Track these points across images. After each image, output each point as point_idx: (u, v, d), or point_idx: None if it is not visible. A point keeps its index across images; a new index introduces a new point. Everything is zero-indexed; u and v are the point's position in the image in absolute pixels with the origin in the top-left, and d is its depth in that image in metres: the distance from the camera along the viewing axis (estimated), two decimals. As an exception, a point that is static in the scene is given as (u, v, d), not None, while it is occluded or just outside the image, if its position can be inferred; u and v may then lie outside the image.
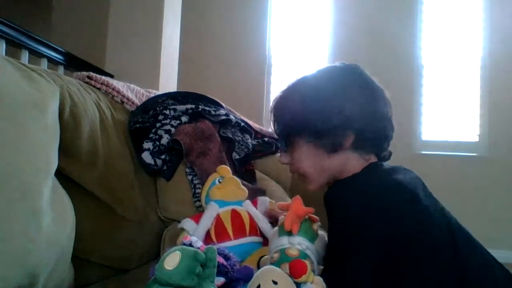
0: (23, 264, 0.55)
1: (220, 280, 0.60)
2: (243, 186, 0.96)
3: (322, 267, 0.72)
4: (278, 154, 1.64)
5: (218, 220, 0.87)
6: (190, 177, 1.14)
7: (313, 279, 0.59)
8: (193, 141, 1.17)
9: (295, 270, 0.57)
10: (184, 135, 1.17)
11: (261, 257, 0.77)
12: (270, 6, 3.45)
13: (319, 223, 0.74)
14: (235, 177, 0.96)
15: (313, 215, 0.74)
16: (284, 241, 0.69)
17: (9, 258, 0.54)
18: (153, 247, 1.05)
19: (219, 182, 0.93)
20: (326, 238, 0.74)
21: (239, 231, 0.86)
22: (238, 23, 3.44)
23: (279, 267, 0.62)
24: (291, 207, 0.71)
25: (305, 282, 0.57)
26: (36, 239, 0.58)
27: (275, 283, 0.54)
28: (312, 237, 0.71)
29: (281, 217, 0.74)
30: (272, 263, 0.65)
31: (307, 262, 0.59)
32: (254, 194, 1.22)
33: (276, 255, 0.68)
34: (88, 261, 0.86)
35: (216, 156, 1.19)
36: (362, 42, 3.23)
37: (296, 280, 0.56)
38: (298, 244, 0.68)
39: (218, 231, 0.86)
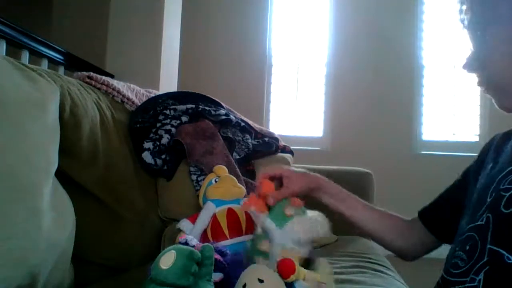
0: (23, 264, 0.55)
1: (218, 276, 0.60)
2: (240, 184, 0.96)
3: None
4: (279, 153, 1.64)
5: (214, 220, 0.87)
6: (194, 177, 1.13)
7: (305, 275, 0.57)
8: (195, 141, 1.17)
9: (283, 271, 0.55)
10: (185, 135, 1.17)
11: None
12: (270, 6, 3.45)
13: (294, 208, 0.69)
14: (231, 176, 0.96)
15: (296, 198, 0.72)
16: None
17: (9, 258, 0.54)
18: (153, 247, 1.05)
19: (215, 182, 0.93)
20: (319, 219, 0.69)
21: (235, 230, 0.85)
22: (238, 23, 3.44)
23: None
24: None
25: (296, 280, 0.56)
26: (36, 239, 0.58)
27: (261, 281, 0.53)
28: (281, 221, 0.67)
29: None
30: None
31: (295, 260, 0.57)
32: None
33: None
34: (88, 261, 0.86)
35: (222, 154, 1.19)
36: (362, 42, 3.24)
37: (285, 280, 0.55)
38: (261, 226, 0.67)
39: (214, 230, 0.85)
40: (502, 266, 0.53)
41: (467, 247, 0.60)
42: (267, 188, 0.74)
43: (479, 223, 0.60)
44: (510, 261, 0.52)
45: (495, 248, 0.55)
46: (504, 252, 0.53)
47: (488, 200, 0.61)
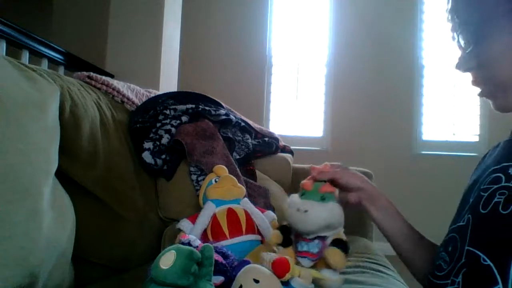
0: (23, 264, 0.55)
1: (219, 279, 0.60)
2: (240, 184, 0.96)
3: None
4: (279, 153, 1.64)
5: (214, 220, 0.87)
6: (194, 177, 1.13)
7: (300, 273, 0.57)
8: (195, 141, 1.17)
9: (277, 270, 0.55)
10: (185, 135, 1.17)
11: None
12: (270, 6, 3.45)
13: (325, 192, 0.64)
14: (231, 176, 0.96)
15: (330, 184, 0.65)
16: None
17: (9, 258, 0.54)
18: (153, 247, 1.05)
19: (215, 182, 0.93)
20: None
21: (235, 230, 0.85)
22: (238, 23, 3.44)
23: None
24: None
25: (292, 277, 0.56)
26: (36, 239, 0.58)
27: (256, 281, 0.53)
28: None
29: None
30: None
31: (289, 258, 0.56)
32: (258, 191, 1.22)
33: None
34: (88, 261, 0.86)
35: (222, 153, 1.19)
36: (362, 42, 3.24)
37: (281, 279, 0.55)
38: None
39: (214, 230, 0.85)
40: (479, 267, 0.51)
41: (449, 248, 0.59)
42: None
43: (460, 223, 0.59)
44: (486, 263, 0.51)
45: (472, 249, 0.54)
46: (480, 254, 0.52)
47: (471, 200, 0.60)
